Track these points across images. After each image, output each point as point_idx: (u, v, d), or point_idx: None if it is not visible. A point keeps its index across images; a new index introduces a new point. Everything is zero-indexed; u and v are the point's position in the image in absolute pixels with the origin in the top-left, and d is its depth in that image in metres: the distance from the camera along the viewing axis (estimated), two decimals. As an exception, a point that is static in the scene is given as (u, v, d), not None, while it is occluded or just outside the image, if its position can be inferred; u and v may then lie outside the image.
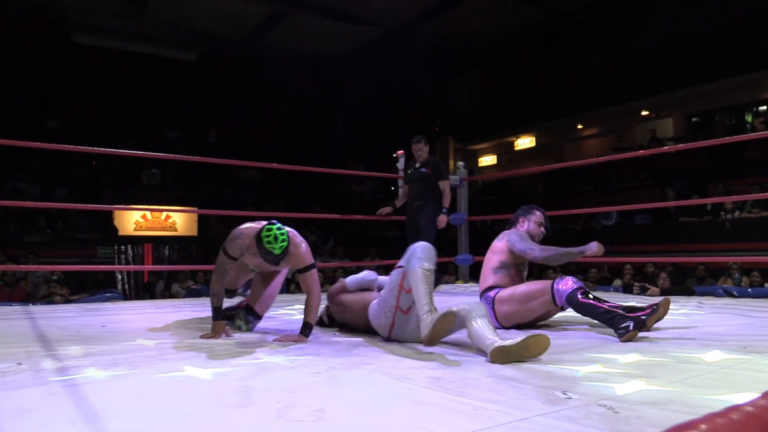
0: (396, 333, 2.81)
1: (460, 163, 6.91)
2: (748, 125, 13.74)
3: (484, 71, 18.28)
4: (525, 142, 18.37)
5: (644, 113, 15.44)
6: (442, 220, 5.52)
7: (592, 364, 2.19)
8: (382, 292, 2.88)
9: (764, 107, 13.85)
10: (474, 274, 7.28)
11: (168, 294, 8.90)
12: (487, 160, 19.82)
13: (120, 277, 12.18)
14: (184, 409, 1.64)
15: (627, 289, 5.93)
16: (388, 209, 5.91)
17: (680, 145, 10.42)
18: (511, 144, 18.75)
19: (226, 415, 1.59)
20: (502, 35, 15.97)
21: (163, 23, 14.52)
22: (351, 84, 17.33)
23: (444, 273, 9.66)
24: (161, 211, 12.99)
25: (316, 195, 15.41)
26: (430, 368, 2.18)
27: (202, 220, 13.34)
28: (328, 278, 9.20)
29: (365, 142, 17.73)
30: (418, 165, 5.69)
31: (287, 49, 16.38)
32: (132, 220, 12.93)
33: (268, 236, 2.79)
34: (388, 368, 2.19)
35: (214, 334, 2.92)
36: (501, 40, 16.29)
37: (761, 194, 8.79)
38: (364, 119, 17.93)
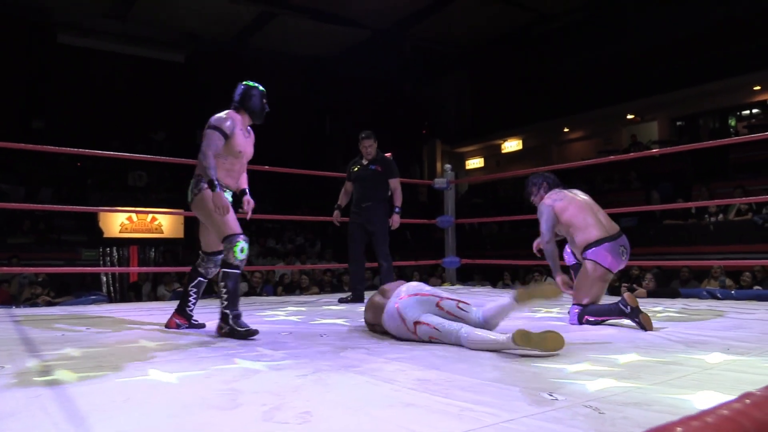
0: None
1: (448, 166, 6.93)
2: (731, 129, 13.90)
3: (472, 74, 18.34)
4: (512, 145, 18.45)
5: (630, 116, 15.56)
6: (396, 220, 5.15)
7: (579, 365, 2.21)
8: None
9: (747, 111, 14.01)
10: (461, 277, 7.30)
11: (154, 296, 8.85)
12: (475, 163, 19.89)
13: (105, 280, 12.09)
14: (170, 412, 1.63)
15: (614, 291, 5.97)
16: (337, 215, 5.39)
17: (665, 149, 10.52)
18: (499, 147, 18.83)
19: (212, 417, 1.59)
20: (490, 38, 16.04)
21: (150, 24, 14.45)
22: (339, 85, 17.34)
23: (431, 276, 9.68)
24: (147, 213, 12.91)
25: (303, 196, 15.39)
26: (416, 370, 2.19)
27: (188, 223, 13.26)
28: (316, 281, 9.19)
29: (353, 143, 17.72)
30: (366, 162, 5.28)
31: (275, 50, 16.36)
32: (117, 222, 12.84)
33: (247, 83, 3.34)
34: (375, 370, 2.19)
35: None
36: (488, 43, 16.36)
37: (745, 198, 8.88)
38: (352, 121, 17.94)
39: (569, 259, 3.77)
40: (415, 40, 16.13)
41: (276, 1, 13.34)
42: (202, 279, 3.44)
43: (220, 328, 3.08)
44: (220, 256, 3.32)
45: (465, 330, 2.64)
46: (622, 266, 3.57)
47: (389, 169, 5.21)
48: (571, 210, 3.53)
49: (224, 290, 3.12)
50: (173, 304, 5.33)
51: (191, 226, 13.22)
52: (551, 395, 1.76)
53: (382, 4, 13.46)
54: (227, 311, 3.07)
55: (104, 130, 14.22)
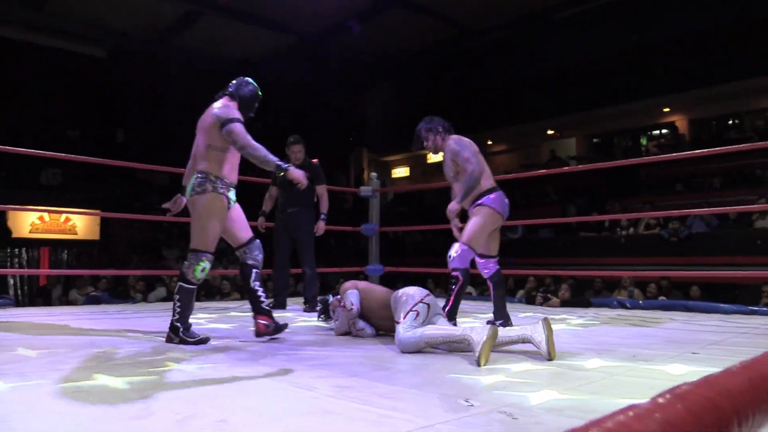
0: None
1: (373, 174, 6.95)
2: (642, 148, 14.64)
3: (398, 84, 18.53)
4: (437, 155, 18.76)
5: (550, 132, 16.14)
6: (321, 226, 5.06)
7: (495, 374, 2.26)
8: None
9: (657, 131, 14.79)
10: (385, 284, 7.33)
11: (65, 300, 8.43)
12: (400, 172, 20.10)
13: (12, 282, 11.43)
14: (78, 421, 1.56)
15: (530, 300, 6.15)
16: (262, 221, 5.22)
17: (582, 166, 10.96)
18: (424, 157, 19.09)
19: (123, 426, 1.53)
20: (416, 51, 16.26)
21: (70, 16, 13.81)
22: (265, 89, 17.05)
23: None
24: (60, 212, 12.29)
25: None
26: (336, 377, 2.18)
27: (104, 224, 12.74)
28: (238, 287, 8.99)
29: (279, 148, 17.52)
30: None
31: (200, 50, 15.97)
32: (28, 221, 12.16)
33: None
34: (295, 377, 2.17)
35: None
36: (415, 56, 16.58)
37: (654, 212, 9.36)
38: (277, 126, 17.74)
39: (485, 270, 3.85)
40: (342, 49, 16.15)
41: (202, 1, 13.05)
42: (257, 270, 3.28)
43: (169, 338, 3.00)
44: (256, 242, 3.32)
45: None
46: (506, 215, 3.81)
47: (316, 175, 5.11)
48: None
49: (178, 303, 3.04)
50: (86, 309, 5.10)
51: (107, 227, 12.70)
52: (467, 401, 1.79)
53: (310, 11, 13.41)
54: (178, 324, 3.01)
55: (16, 125, 13.47)
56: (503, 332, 2.73)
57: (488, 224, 3.69)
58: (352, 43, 15.51)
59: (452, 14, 14.05)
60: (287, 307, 5.06)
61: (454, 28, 14.88)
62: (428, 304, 2.89)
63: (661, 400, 0.82)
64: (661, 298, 7.25)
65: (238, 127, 3.10)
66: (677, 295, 7.60)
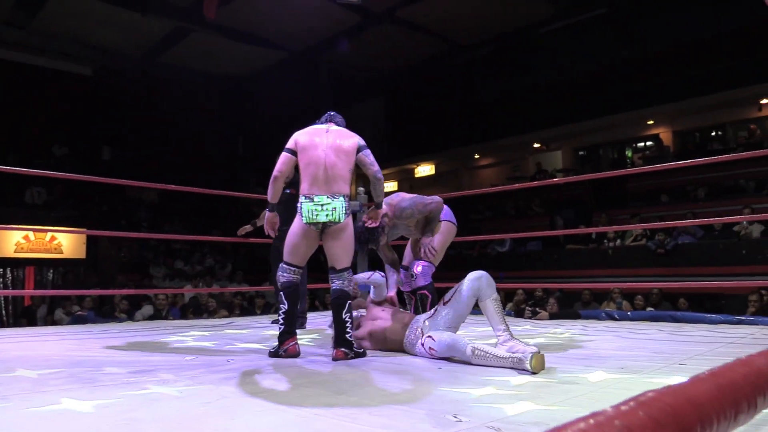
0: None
1: (361, 189, 6.95)
2: (628, 160, 14.75)
3: (387, 99, 18.61)
4: (425, 170, 18.81)
5: (536, 145, 16.24)
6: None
7: (484, 387, 2.25)
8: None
9: (642, 143, 14.93)
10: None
11: (51, 320, 8.34)
12: (388, 186, 20.09)
13: (-3, 302, 11.30)
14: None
15: (519, 313, 6.13)
16: (248, 228, 5.44)
17: (569, 177, 11.03)
18: (412, 171, 19.15)
19: (105, 449, 1.50)
20: (406, 65, 16.36)
21: (56, 34, 13.79)
22: (253, 106, 17.16)
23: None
24: (45, 231, 12.18)
25: (215, 218, 15.03)
26: (324, 395, 2.16)
27: (91, 242, 12.63)
28: (224, 304, 8.95)
29: (267, 165, 17.52)
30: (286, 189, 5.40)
31: (188, 67, 15.99)
32: (12, 241, 12.04)
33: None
34: (281, 396, 2.15)
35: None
36: (404, 70, 16.68)
37: (640, 224, 9.43)
38: (267, 142, 17.75)
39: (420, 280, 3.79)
40: (331, 64, 16.21)
41: (190, 18, 13.07)
42: (350, 302, 3.21)
43: (344, 354, 3.00)
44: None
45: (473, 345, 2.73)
46: None
47: None
48: None
49: (347, 317, 3.08)
50: (71, 329, 5.04)
51: (93, 246, 12.60)
52: (456, 417, 1.78)
53: (299, 27, 13.48)
54: (351, 339, 3.08)
55: (1, 143, 13.40)
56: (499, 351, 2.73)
57: (449, 239, 3.84)
58: (341, 59, 15.59)
59: (440, 30, 14.17)
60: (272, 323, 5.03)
61: (443, 43, 15.00)
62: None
63: (623, 407, 0.82)
64: (649, 309, 7.28)
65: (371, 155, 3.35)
66: (666, 306, 7.64)
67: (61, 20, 13.00)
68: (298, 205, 3.16)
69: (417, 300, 3.71)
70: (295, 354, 3.06)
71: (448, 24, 13.75)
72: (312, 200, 3.12)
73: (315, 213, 3.10)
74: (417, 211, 3.74)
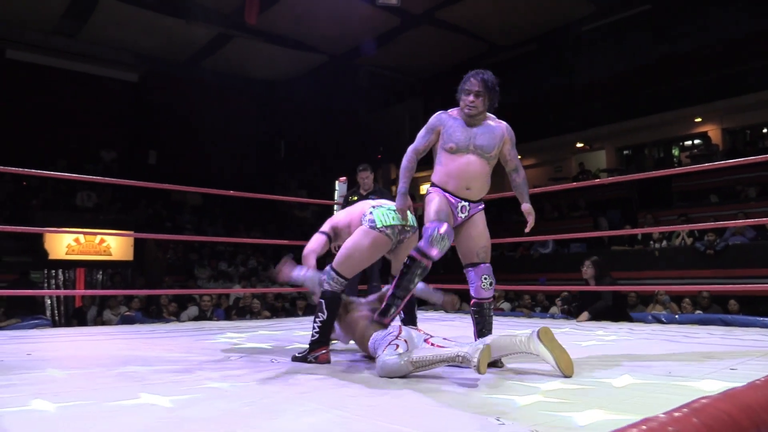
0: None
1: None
2: (675, 159, 14.41)
3: (426, 100, 18.55)
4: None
5: (579, 145, 15.98)
6: None
7: (530, 395, 2.21)
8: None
9: (689, 142, 14.56)
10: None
11: (100, 321, 8.57)
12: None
13: (49, 303, 11.65)
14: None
15: (567, 314, 6.04)
16: (335, 244, 5.60)
17: (613, 178, 10.83)
18: (453, 172, 19.06)
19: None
20: (444, 66, 16.30)
21: (103, 42, 14.19)
22: (294, 110, 17.32)
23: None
24: (95, 234, 12.54)
25: (257, 220, 15.24)
26: (366, 396, 2.17)
27: (138, 245, 12.95)
28: (268, 306, 9.07)
29: (308, 168, 17.69)
30: (364, 193, 5.64)
31: (230, 73, 16.25)
32: (64, 243, 12.43)
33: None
34: (324, 397, 2.17)
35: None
36: (442, 71, 16.62)
37: (688, 225, 9.19)
38: (307, 145, 17.91)
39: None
40: (370, 67, 16.27)
41: (232, 24, 13.29)
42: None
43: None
44: None
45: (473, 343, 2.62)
46: None
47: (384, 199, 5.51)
48: None
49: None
50: (120, 329, 5.18)
51: (140, 248, 12.91)
52: (498, 420, 1.77)
53: (338, 31, 13.56)
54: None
55: (52, 149, 13.84)
56: (499, 343, 2.66)
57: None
58: (380, 61, 15.63)
59: (479, 30, 14.08)
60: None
61: (481, 43, 14.90)
62: (406, 341, 2.70)
63: (676, 414, 0.80)
64: (698, 312, 7.09)
65: None
66: (716, 309, 7.43)
67: (108, 28, 13.37)
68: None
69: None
70: (326, 362, 2.98)
71: (487, 24, 13.65)
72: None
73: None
74: (513, 148, 3.45)
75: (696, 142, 14.37)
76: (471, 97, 2.97)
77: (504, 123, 3.16)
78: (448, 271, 5.24)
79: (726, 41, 12.40)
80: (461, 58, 15.70)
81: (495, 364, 2.72)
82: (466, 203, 3.02)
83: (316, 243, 3.36)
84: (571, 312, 5.71)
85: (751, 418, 0.86)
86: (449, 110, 3.13)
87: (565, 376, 2.47)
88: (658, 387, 2.29)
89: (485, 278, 2.95)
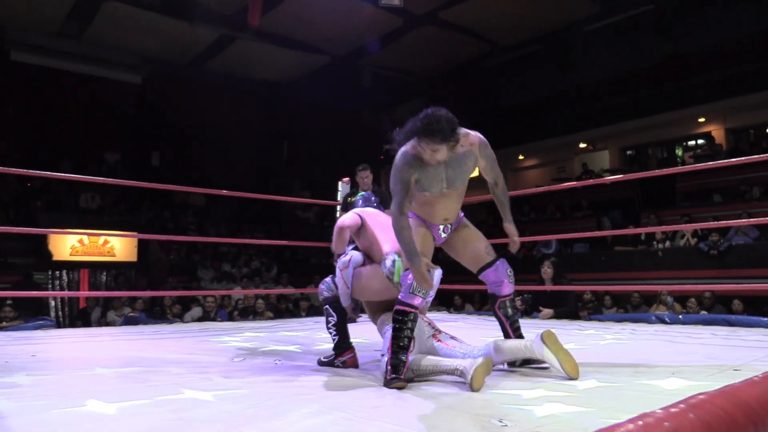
0: None
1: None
2: (678, 159, 14.38)
3: (429, 101, 18.47)
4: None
5: (582, 145, 15.97)
6: None
7: (533, 390, 2.22)
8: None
9: (693, 142, 14.54)
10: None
11: (104, 322, 8.60)
12: (433, 189, 20.08)
13: (53, 304, 11.68)
14: None
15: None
16: None
17: (616, 177, 10.81)
18: (456, 172, 19.05)
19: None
20: (447, 67, 16.30)
21: (107, 44, 14.23)
22: (297, 110, 17.33)
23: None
24: (99, 235, 12.56)
25: (259, 221, 15.26)
26: (369, 398, 2.18)
27: (142, 246, 12.97)
28: (271, 306, 9.08)
29: (310, 168, 17.71)
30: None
31: (233, 74, 16.28)
32: (68, 244, 12.46)
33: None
34: (328, 398, 2.17)
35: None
36: (446, 72, 16.63)
37: (691, 225, 9.17)
38: (310, 146, 17.92)
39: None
40: (373, 67, 16.28)
41: (235, 26, 13.31)
42: None
43: None
44: None
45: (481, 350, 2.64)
46: None
47: (385, 201, 5.52)
48: None
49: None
50: (124, 329, 5.19)
51: (144, 249, 12.94)
52: (501, 422, 1.77)
53: (342, 31, 13.57)
54: None
55: (56, 150, 13.88)
56: (503, 348, 2.66)
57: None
58: (383, 62, 15.63)
59: (482, 30, 14.07)
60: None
61: (484, 43, 14.89)
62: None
63: (673, 409, 0.81)
64: (702, 312, 7.08)
65: None
66: (719, 310, 7.41)
67: (112, 30, 13.40)
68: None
69: None
70: (354, 366, 2.90)
71: (490, 24, 13.64)
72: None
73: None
74: (494, 162, 3.27)
75: (699, 141, 14.35)
76: (429, 154, 2.66)
77: (476, 138, 2.91)
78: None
79: (730, 41, 12.39)
80: (465, 58, 15.71)
81: (512, 363, 2.72)
82: (448, 225, 2.91)
83: (351, 221, 3.14)
84: (526, 311, 5.84)
85: (748, 414, 0.86)
86: (410, 146, 2.79)
87: (571, 379, 2.47)
88: (662, 388, 2.29)
89: (510, 272, 2.83)
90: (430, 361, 2.58)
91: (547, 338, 2.52)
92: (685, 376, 2.52)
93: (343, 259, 3.01)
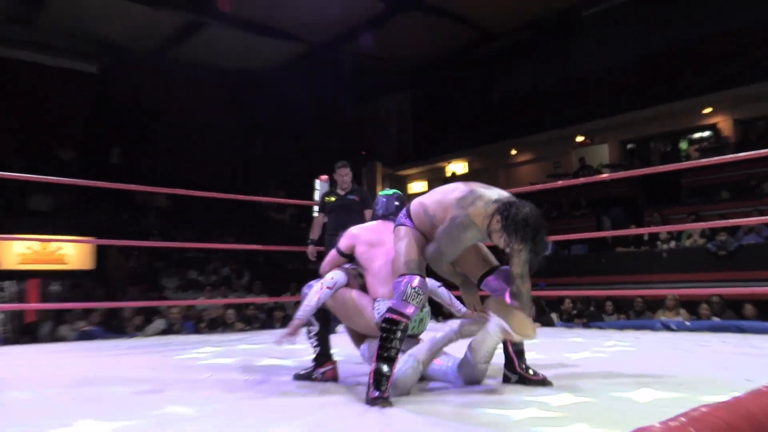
0: None
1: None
2: (682, 152, 14.49)
3: (415, 93, 18.58)
4: (457, 168, 18.73)
5: (579, 139, 16.05)
6: None
7: (526, 408, 2.20)
8: None
9: (698, 134, 14.66)
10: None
11: (55, 337, 8.47)
12: (418, 187, 20.05)
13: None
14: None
15: (569, 319, 6.06)
16: (312, 249, 5.85)
17: (616, 173, 10.89)
18: (443, 169, 19.06)
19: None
20: (434, 56, 16.33)
21: (61, 31, 14.07)
22: (272, 103, 17.26)
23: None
24: (51, 241, 12.40)
25: (230, 223, 15.15)
26: (350, 415, 2.15)
27: (99, 252, 12.83)
28: (241, 317, 9.01)
29: (287, 165, 17.64)
30: (342, 192, 5.74)
31: (201, 63, 16.17)
32: (15, 252, 12.27)
33: None
34: (304, 416, 2.14)
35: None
36: (432, 61, 16.65)
37: (698, 224, 9.23)
38: (286, 141, 17.85)
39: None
40: (354, 56, 16.25)
41: (203, 11, 13.21)
42: None
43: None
44: None
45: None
46: None
47: (366, 200, 5.67)
48: None
49: None
50: (77, 345, 5.12)
51: (102, 256, 12.78)
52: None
53: (320, 17, 13.52)
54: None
55: (3, 147, 13.69)
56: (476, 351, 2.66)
57: None
58: (364, 50, 15.61)
59: (471, 16, 14.11)
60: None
61: (474, 30, 14.94)
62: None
63: (672, 423, 0.79)
64: (714, 318, 7.12)
65: None
66: (730, 315, 7.46)
67: (66, 15, 13.26)
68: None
69: None
70: (334, 379, 2.91)
71: (479, 9, 13.67)
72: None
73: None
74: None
75: (706, 134, 14.47)
76: (496, 242, 2.73)
77: None
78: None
79: (737, 27, 12.49)
80: (453, 46, 15.75)
81: (543, 382, 2.68)
82: None
83: (329, 263, 3.12)
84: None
85: (754, 426, 0.84)
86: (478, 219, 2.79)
87: (525, 337, 2.53)
88: (667, 401, 2.28)
89: (512, 279, 2.78)
90: (426, 345, 2.68)
91: (493, 308, 2.56)
92: (690, 387, 2.51)
93: (332, 276, 2.95)
